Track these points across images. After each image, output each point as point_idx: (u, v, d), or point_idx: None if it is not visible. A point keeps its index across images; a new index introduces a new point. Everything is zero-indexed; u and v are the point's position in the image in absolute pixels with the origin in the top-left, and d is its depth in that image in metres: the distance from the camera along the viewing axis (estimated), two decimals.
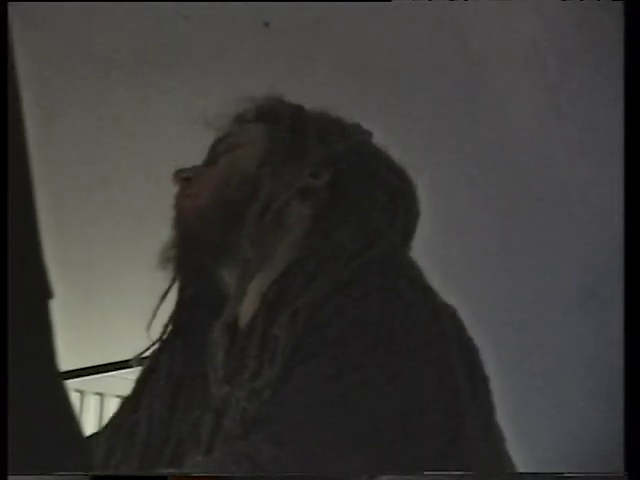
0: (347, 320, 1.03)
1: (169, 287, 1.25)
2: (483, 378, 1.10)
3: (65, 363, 0.72)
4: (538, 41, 2.09)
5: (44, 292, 0.68)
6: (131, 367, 1.26)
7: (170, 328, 1.25)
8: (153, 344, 1.25)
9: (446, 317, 1.09)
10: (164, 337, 1.25)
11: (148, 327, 1.23)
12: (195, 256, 1.20)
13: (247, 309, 1.14)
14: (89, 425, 3.59)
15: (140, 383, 1.24)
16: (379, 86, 2.13)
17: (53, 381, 0.70)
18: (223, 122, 1.31)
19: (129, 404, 1.23)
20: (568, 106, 2.11)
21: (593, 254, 2.03)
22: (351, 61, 2.13)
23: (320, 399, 0.99)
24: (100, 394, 3.73)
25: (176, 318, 1.26)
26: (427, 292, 1.10)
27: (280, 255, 1.15)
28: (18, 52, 0.72)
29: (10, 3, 0.73)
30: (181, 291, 1.27)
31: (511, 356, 2.03)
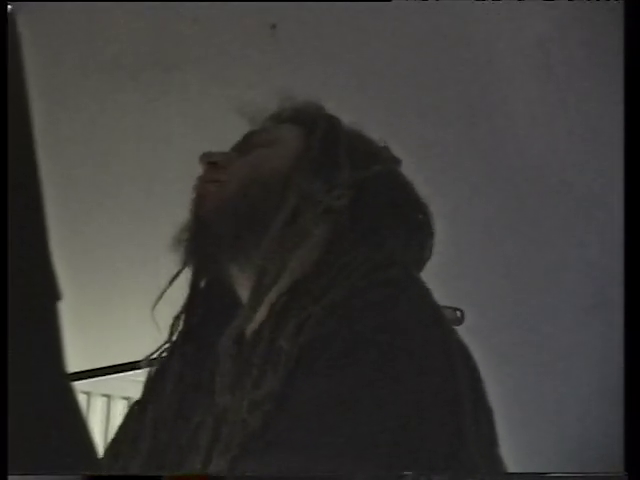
0: (351, 335, 1.02)
1: (179, 271, 1.23)
2: (485, 398, 1.10)
3: (72, 365, 0.73)
4: (544, 40, 2.09)
5: (52, 294, 0.69)
6: (139, 369, 1.25)
7: (180, 330, 1.24)
8: (163, 345, 1.24)
9: (451, 337, 1.08)
10: (174, 339, 1.24)
11: (153, 308, 1.20)
12: (208, 245, 1.18)
13: (255, 318, 1.14)
14: (96, 426, 3.60)
15: (149, 386, 1.23)
16: (383, 85, 2.13)
17: (61, 382, 0.70)
18: (259, 116, 1.29)
19: (137, 407, 1.22)
20: (576, 106, 2.11)
21: (599, 257, 2.03)
22: (357, 62, 2.13)
23: (322, 412, 0.98)
24: (107, 396, 3.73)
25: (186, 320, 1.24)
26: (434, 310, 1.09)
27: (292, 268, 1.13)
28: (25, 55, 0.73)
29: (18, 7, 0.73)
30: (192, 291, 1.25)
31: (511, 358, 2.03)
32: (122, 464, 1.16)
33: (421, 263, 1.24)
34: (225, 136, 1.28)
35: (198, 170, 1.24)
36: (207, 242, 1.18)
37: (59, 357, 0.69)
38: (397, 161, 1.28)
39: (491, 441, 1.09)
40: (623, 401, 1.15)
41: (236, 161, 1.23)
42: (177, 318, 1.25)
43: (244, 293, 1.19)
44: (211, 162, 1.23)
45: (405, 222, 1.22)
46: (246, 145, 1.26)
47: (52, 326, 0.68)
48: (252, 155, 1.23)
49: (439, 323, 1.08)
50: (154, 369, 1.23)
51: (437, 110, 2.17)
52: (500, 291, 2.19)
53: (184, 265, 1.22)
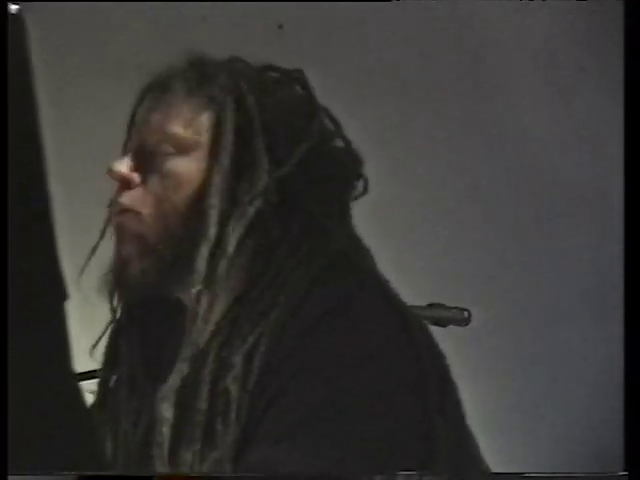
0: (305, 350, 0.99)
1: (94, 248, 1.20)
2: (451, 384, 1.08)
3: (79, 365, 0.73)
4: (550, 41, 2.08)
5: (59, 294, 0.69)
6: None
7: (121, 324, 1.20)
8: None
9: (413, 328, 1.06)
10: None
11: (77, 278, 1.16)
12: (133, 290, 1.13)
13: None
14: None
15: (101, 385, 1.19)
16: (388, 86, 2.13)
17: (68, 382, 0.70)
18: (166, 76, 1.22)
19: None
20: (581, 107, 2.11)
21: (600, 257, 2.03)
22: (362, 63, 2.13)
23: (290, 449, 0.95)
24: None
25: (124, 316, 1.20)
26: (390, 302, 1.07)
27: (229, 288, 1.06)
28: (34, 57, 0.73)
29: (26, 8, 0.73)
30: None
31: (511, 356, 2.03)
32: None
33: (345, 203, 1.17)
34: None
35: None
36: (133, 287, 1.13)
37: (66, 357, 0.69)
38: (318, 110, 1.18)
39: (462, 435, 1.08)
40: (623, 401, 1.15)
41: (147, 176, 1.14)
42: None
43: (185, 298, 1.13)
44: (121, 178, 1.15)
45: (336, 192, 1.15)
46: (150, 144, 1.16)
47: (59, 326, 0.68)
48: (162, 171, 1.13)
49: (398, 316, 1.06)
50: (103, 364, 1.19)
51: (441, 110, 2.16)
52: (507, 291, 2.19)
53: (113, 308, 1.19)
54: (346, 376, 0.98)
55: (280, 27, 2.10)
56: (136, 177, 1.15)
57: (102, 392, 1.19)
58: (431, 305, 1.34)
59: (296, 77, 1.22)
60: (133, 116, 1.24)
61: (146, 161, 1.15)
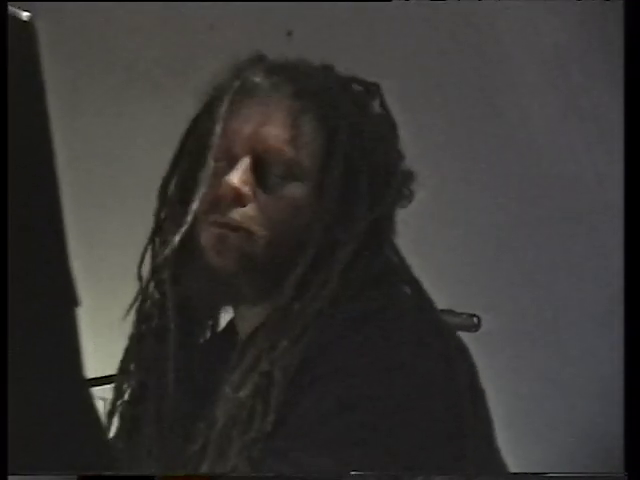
0: (347, 348, 1.01)
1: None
2: (483, 395, 1.09)
3: (90, 371, 0.73)
4: (559, 43, 2.08)
5: (71, 300, 0.69)
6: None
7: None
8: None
9: (451, 342, 1.08)
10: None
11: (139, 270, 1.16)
12: (215, 291, 1.14)
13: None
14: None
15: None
16: (398, 90, 2.13)
17: (79, 388, 0.70)
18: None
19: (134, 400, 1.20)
20: (590, 109, 2.11)
21: (617, 262, 2.02)
22: (372, 67, 2.13)
23: (315, 434, 0.98)
24: None
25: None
26: (433, 318, 1.10)
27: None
28: (45, 63, 0.73)
29: (36, 13, 0.73)
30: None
31: (517, 360, 2.03)
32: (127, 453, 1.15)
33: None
34: None
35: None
36: (221, 293, 1.14)
37: (77, 363, 0.69)
38: (410, 176, 1.20)
39: (490, 444, 1.09)
40: (623, 401, 1.15)
41: (263, 199, 1.12)
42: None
43: (243, 325, 1.16)
44: (238, 194, 1.11)
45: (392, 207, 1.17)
46: (264, 164, 1.13)
47: (70, 332, 0.68)
48: (277, 194, 1.12)
49: (438, 330, 1.08)
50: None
51: (452, 113, 2.16)
52: (516, 296, 2.18)
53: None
54: (381, 378, 1.00)
55: (289, 34, 2.10)
56: (249, 193, 1.11)
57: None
58: (441, 311, 1.35)
59: (375, 91, 1.23)
60: (213, 120, 1.19)
61: (257, 179, 1.13)
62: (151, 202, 2.40)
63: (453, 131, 2.19)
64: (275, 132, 1.13)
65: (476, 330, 1.42)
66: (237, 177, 1.11)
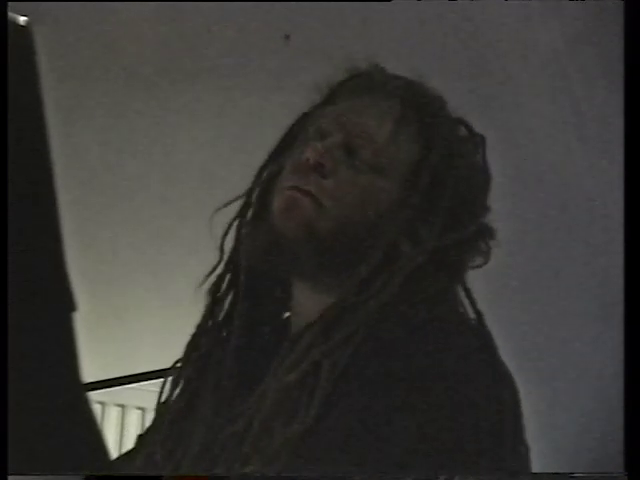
0: (394, 357, 1.00)
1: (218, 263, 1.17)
2: (520, 415, 1.09)
3: (87, 375, 0.73)
4: (558, 46, 2.09)
5: (68, 305, 0.69)
6: (153, 379, 1.25)
7: (223, 314, 1.19)
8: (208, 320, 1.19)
9: (497, 357, 1.08)
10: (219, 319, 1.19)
11: (200, 285, 1.16)
12: (280, 260, 1.11)
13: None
14: (110, 436, 3.60)
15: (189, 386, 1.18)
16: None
17: (76, 392, 0.70)
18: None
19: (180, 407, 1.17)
20: (590, 112, 2.11)
21: (617, 262, 2.03)
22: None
23: (353, 440, 0.97)
24: (121, 406, 3.74)
25: (231, 304, 1.18)
26: (481, 332, 1.10)
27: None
28: (41, 63, 0.73)
29: (34, 18, 0.73)
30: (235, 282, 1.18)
31: (516, 358, 2.03)
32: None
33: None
34: (240, 145, 1.27)
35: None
36: (281, 258, 1.10)
37: (74, 367, 0.69)
38: (490, 232, 1.19)
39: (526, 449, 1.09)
40: (623, 401, 1.15)
41: (342, 172, 1.10)
42: (220, 299, 1.19)
43: (300, 295, 1.14)
44: (319, 164, 1.09)
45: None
46: (355, 146, 1.12)
47: (68, 337, 0.68)
48: (363, 180, 1.11)
49: (484, 345, 1.07)
50: (199, 354, 1.18)
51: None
52: (516, 296, 2.19)
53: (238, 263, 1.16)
54: (423, 389, 0.99)
55: (287, 37, 2.10)
56: (331, 164, 1.10)
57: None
58: None
59: (479, 142, 1.23)
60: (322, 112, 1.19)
61: (343, 156, 1.12)
62: (149, 206, 2.41)
63: None
64: (372, 123, 1.14)
65: None
66: (324, 145, 1.11)
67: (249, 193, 1.19)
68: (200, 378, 1.17)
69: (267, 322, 1.20)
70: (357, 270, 1.07)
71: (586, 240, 2.15)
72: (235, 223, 1.18)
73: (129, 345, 2.63)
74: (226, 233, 1.17)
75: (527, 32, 2.08)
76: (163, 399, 1.17)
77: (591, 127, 2.11)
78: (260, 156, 1.23)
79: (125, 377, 2.60)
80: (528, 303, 2.17)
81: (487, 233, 1.17)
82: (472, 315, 1.13)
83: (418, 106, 1.18)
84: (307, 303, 1.13)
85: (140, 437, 1.19)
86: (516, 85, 2.15)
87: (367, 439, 0.96)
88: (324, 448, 0.97)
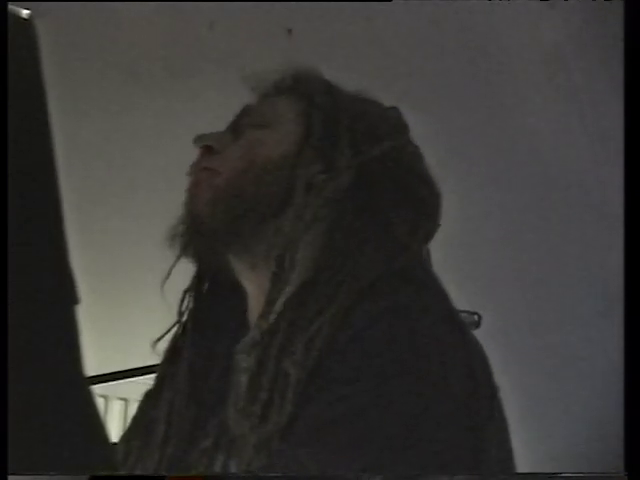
0: (362, 350, 1.00)
1: (174, 263, 1.20)
2: (498, 397, 1.09)
3: (90, 368, 0.73)
4: (561, 44, 2.08)
5: (70, 298, 0.69)
6: (154, 373, 1.25)
7: (187, 319, 1.22)
8: (172, 326, 1.22)
9: (469, 342, 1.07)
10: (183, 319, 1.22)
11: (161, 286, 1.19)
12: (202, 239, 1.15)
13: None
14: (113, 430, 3.60)
15: (159, 378, 1.22)
16: (397, 88, 2.13)
17: (79, 386, 0.70)
18: (261, 84, 1.25)
19: (149, 401, 1.21)
20: (591, 108, 2.11)
21: (617, 261, 2.02)
22: (373, 65, 2.13)
23: (330, 436, 0.97)
24: (124, 399, 3.74)
25: (194, 308, 1.22)
26: (449, 313, 1.08)
27: (300, 266, 1.09)
28: (44, 61, 0.73)
29: (36, 13, 0.73)
30: (196, 280, 1.23)
31: (517, 358, 2.03)
32: (133, 460, 1.16)
33: (429, 238, 1.20)
34: None
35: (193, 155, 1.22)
36: (200, 236, 1.15)
37: (77, 361, 0.69)
38: (404, 129, 1.22)
39: (507, 451, 1.08)
40: (623, 401, 1.15)
41: (230, 145, 1.18)
42: (185, 295, 1.23)
43: (246, 283, 1.17)
44: (205, 146, 1.19)
45: (411, 202, 1.17)
46: (241, 124, 1.21)
47: (70, 330, 0.68)
48: (246, 139, 1.18)
49: (455, 328, 1.07)
50: (165, 355, 1.22)
51: (451, 112, 2.16)
52: (516, 296, 2.18)
53: (177, 259, 1.20)
54: (398, 377, 0.99)
55: (289, 31, 2.10)
56: (219, 145, 1.18)
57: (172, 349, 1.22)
58: None
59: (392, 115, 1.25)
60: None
61: (232, 135, 1.20)
62: (150, 200, 2.41)
63: (452, 130, 2.19)
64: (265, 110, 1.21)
65: (476, 328, 1.42)
66: (212, 134, 1.20)
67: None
68: (169, 378, 1.20)
69: (228, 321, 1.21)
70: (282, 215, 1.11)
71: (586, 240, 2.15)
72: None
73: (132, 338, 2.63)
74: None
75: (528, 30, 2.08)
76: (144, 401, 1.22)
77: (592, 126, 2.11)
78: None
79: (128, 370, 2.60)
80: (528, 303, 2.17)
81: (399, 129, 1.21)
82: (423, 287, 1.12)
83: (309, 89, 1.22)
84: (253, 286, 1.15)
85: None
86: (516, 82, 2.15)
87: (345, 435, 0.96)
88: (299, 446, 0.97)
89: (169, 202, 2.40)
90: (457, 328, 1.07)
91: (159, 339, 1.22)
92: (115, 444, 1.19)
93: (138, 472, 1.14)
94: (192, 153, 1.22)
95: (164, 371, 1.22)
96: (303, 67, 1.26)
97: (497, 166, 2.19)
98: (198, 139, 1.20)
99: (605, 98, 2.04)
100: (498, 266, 2.18)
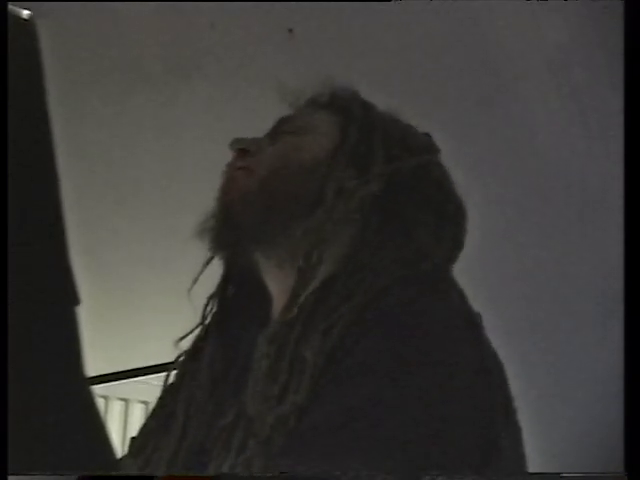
0: (377, 340, 1.01)
1: (209, 260, 1.23)
2: (511, 399, 1.09)
3: (90, 369, 0.73)
4: (563, 45, 2.08)
5: (71, 299, 0.69)
6: (157, 373, 1.26)
7: (213, 312, 1.24)
8: (196, 327, 1.24)
9: (483, 341, 1.07)
10: (207, 322, 1.24)
11: (189, 290, 1.21)
12: (232, 233, 1.17)
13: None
14: (114, 430, 3.61)
15: (182, 369, 1.23)
16: (398, 89, 2.13)
17: (79, 386, 0.70)
18: (297, 99, 1.27)
19: (168, 398, 1.22)
20: (592, 107, 2.11)
21: (617, 261, 2.03)
22: (373, 65, 2.14)
23: (346, 423, 0.97)
24: (125, 400, 3.74)
25: (220, 304, 1.25)
26: (467, 314, 1.09)
27: (325, 264, 1.11)
28: (45, 61, 0.73)
29: (37, 13, 0.73)
30: (224, 276, 1.26)
31: (517, 358, 2.03)
32: (145, 458, 1.17)
33: (453, 256, 1.22)
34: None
35: (227, 158, 1.24)
36: (231, 230, 1.17)
37: (78, 361, 0.69)
38: (436, 150, 1.27)
39: (520, 454, 1.08)
40: (623, 401, 1.15)
41: (266, 149, 1.22)
42: (210, 300, 1.25)
43: (271, 284, 1.20)
44: (241, 149, 1.21)
45: (437, 215, 1.20)
46: (278, 132, 1.24)
47: (71, 330, 0.69)
48: (282, 143, 1.22)
49: (470, 327, 1.08)
50: (187, 353, 1.23)
51: (452, 111, 2.17)
52: (516, 295, 2.19)
53: (210, 252, 1.22)
54: (411, 373, 1.00)
55: (290, 31, 2.10)
56: (255, 148, 1.22)
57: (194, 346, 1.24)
58: None
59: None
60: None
61: (268, 140, 1.24)
62: (151, 200, 2.41)
63: (452, 129, 2.19)
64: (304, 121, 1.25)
65: None
66: (251, 139, 1.23)
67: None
68: (189, 375, 1.21)
69: (253, 317, 1.23)
70: (314, 214, 1.14)
71: (586, 239, 2.15)
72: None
73: (132, 339, 2.63)
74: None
75: (528, 30, 2.08)
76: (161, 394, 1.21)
77: (593, 125, 2.11)
78: None
79: (128, 371, 2.60)
80: (528, 303, 2.17)
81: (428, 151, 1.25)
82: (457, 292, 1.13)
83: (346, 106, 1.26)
84: (278, 287, 1.18)
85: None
86: (517, 82, 2.15)
87: (359, 422, 0.96)
88: (317, 431, 0.98)
89: (171, 201, 2.41)
90: (473, 329, 1.07)
91: (182, 338, 1.23)
92: (133, 438, 1.20)
93: (154, 464, 1.15)
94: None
95: (185, 368, 1.23)
96: (340, 84, 1.28)
97: (497, 166, 2.19)
98: (235, 142, 1.22)
99: (606, 98, 2.04)
100: (498, 266, 2.18)
